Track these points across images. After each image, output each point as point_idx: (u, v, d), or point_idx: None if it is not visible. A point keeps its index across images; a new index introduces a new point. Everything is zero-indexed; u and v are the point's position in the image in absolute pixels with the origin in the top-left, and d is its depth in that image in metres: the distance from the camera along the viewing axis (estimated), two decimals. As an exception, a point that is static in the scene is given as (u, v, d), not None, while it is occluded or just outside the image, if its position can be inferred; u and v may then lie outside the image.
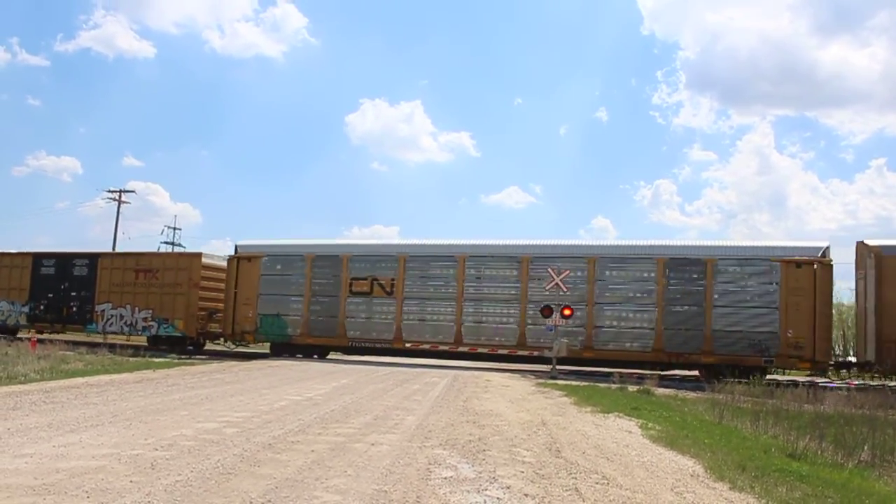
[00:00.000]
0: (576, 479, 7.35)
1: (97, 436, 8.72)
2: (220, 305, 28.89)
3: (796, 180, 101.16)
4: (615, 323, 23.62)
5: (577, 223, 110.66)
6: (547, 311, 22.68)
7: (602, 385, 19.34)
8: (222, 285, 28.89)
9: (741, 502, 7.03)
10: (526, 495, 6.56)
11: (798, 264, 22.31)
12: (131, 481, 6.46)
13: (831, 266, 22.64)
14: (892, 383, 22.52)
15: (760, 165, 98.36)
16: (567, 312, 22.59)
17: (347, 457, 7.98)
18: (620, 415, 13.26)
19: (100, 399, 12.41)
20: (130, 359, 22.33)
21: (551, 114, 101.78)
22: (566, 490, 6.84)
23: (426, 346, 25.73)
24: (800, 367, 23.06)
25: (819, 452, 10.75)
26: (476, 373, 21.90)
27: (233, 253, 28.92)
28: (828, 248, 22.88)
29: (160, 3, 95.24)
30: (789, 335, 21.95)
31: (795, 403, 15.36)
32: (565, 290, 23.13)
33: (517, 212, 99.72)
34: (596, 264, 23.84)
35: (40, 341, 23.64)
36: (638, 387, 18.41)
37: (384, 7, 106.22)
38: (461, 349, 25.17)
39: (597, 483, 7.23)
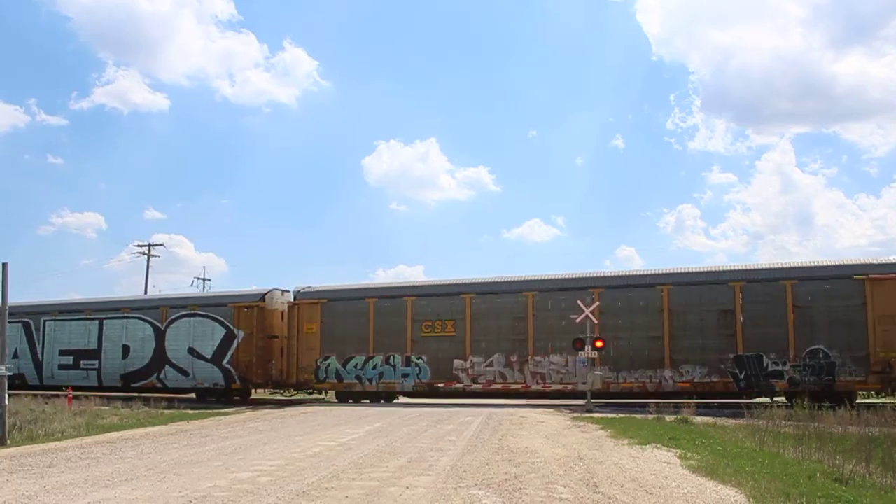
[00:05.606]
0: (615, 514, 7.20)
1: (131, 490, 8.72)
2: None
3: (822, 197, 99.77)
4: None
5: (601, 253, 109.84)
6: (579, 344, 22.47)
7: (638, 416, 19.04)
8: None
9: (787, 531, 6.82)
10: (564, 533, 6.43)
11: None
12: (165, 535, 6.44)
13: None
14: None
15: (783, 184, 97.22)
16: (599, 344, 22.38)
17: (382, 501, 7.89)
18: (658, 446, 13.02)
19: (134, 453, 12.44)
20: (165, 411, 22.39)
21: (567, 144, 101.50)
22: (605, 526, 6.70)
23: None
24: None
25: (867, 476, 10.44)
26: (510, 410, 21.70)
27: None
28: None
29: (170, 56, 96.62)
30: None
31: (839, 426, 14.99)
32: (597, 321, 22.88)
33: (541, 245, 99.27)
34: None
35: (76, 398, 23.81)
36: (675, 416, 18.11)
37: (393, 46, 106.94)
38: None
39: (637, 517, 7.08)
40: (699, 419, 18.03)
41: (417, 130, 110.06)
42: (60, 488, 8.89)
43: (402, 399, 27.44)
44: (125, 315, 30.44)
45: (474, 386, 25.68)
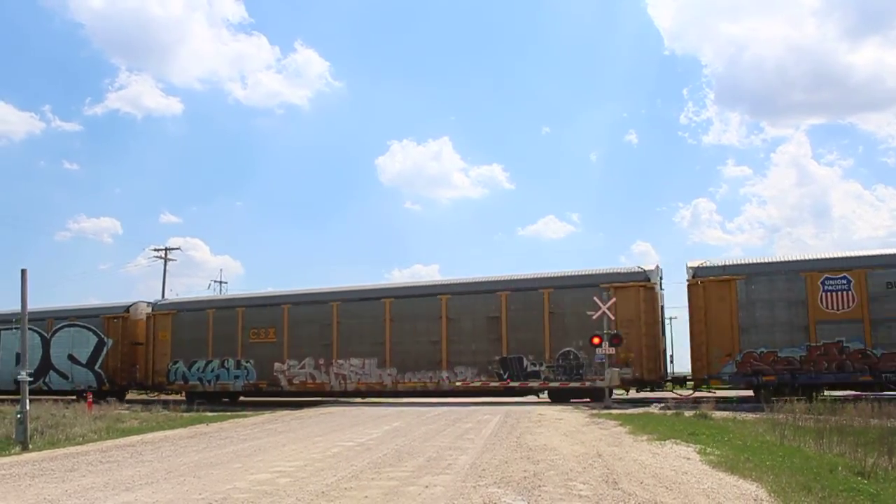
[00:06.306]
0: (635, 510, 7.16)
1: (152, 493, 8.76)
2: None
3: (838, 189, 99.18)
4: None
5: (617, 249, 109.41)
6: (598, 341, 22.45)
7: (657, 412, 18.98)
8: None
9: (809, 526, 6.76)
10: (584, 530, 6.40)
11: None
12: (186, 537, 6.45)
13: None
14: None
15: (799, 177, 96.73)
16: (616, 342, 22.38)
17: (401, 501, 7.88)
18: (678, 441, 12.97)
19: (154, 456, 12.51)
20: (184, 414, 22.55)
21: (580, 140, 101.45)
22: (625, 523, 6.66)
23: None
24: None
25: (890, 468, 10.33)
26: (528, 408, 21.69)
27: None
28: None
29: (182, 60, 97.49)
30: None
31: (860, 419, 14.87)
32: (613, 317, 22.84)
33: (556, 242, 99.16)
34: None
35: (95, 402, 24.01)
36: (694, 411, 18.03)
37: (404, 46, 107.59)
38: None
39: (657, 514, 7.04)
40: (718, 414, 17.97)
41: (430, 129, 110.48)
42: (82, 492, 8.95)
43: (242, 399, 30.57)
44: (18, 326, 32.46)
45: (290, 386, 28.91)
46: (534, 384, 25.28)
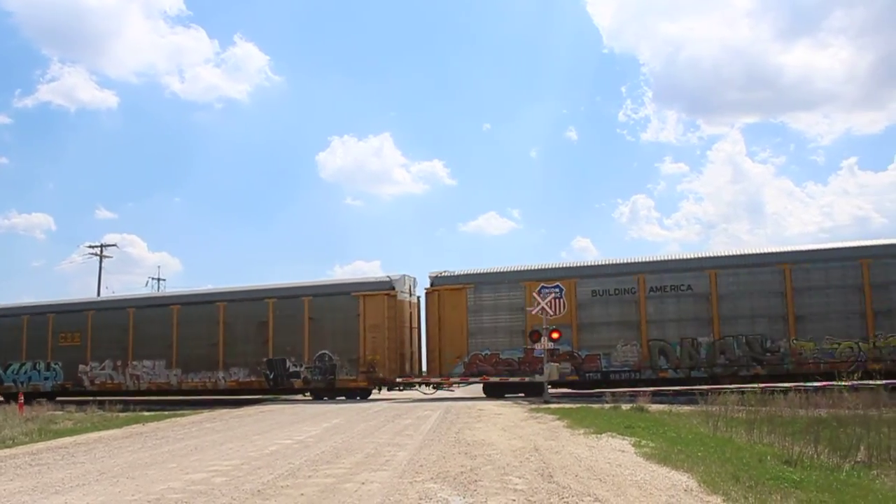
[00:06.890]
0: (567, 502, 7.27)
1: (83, 496, 8.58)
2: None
3: (771, 186, 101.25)
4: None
5: (557, 245, 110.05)
6: (535, 336, 22.64)
7: (595, 406, 19.25)
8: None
9: (735, 514, 6.95)
10: (517, 523, 6.48)
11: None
12: (115, 540, 6.34)
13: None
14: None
15: (734, 174, 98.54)
16: (555, 336, 22.58)
17: (337, 498, 7.87)
18: (614, 434, 13.18)
19: (87, 457, 12.24)
20: (120, 414, 22.10)
21: (521, 137, 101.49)
22: (558, 515, 6.76)
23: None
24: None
25: (815, 457, 10.67)
26: (468, 403, 21.80)
27: None
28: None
29: (118, 52, 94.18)
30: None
31: (789, 409, 15.30)
32: (552, 313, 23.07)
33: (497, 238, 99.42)
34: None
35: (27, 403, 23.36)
36: (631, 405, 18.34)
37: (345, 41, 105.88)
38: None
39: (589, 505, 7.16)
40: (655, 407, 18.30)
41: (371, 125, 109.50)
42: (7, 496, 8.71)
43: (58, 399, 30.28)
44: None
45: (92, 386, 30.41)
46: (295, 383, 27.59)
